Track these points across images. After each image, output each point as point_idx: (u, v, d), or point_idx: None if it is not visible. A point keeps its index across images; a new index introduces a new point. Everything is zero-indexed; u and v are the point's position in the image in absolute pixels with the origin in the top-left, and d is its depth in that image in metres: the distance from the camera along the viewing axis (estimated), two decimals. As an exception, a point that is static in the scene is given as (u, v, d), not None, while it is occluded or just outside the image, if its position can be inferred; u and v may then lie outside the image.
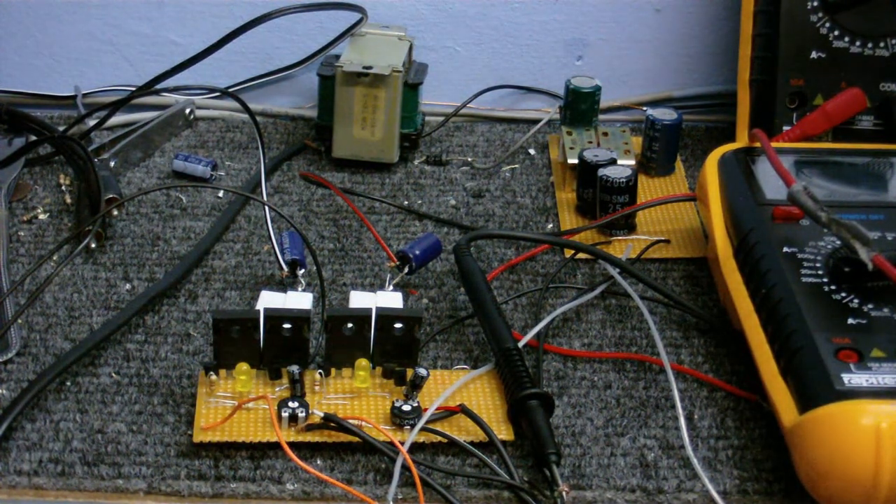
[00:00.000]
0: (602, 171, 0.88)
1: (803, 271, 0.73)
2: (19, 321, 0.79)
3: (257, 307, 0.75)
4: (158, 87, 1.00)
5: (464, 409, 0.71)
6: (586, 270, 0.86)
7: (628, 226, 0.89)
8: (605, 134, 0.96)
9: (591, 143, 0.95)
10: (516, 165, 0.98)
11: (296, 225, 0.82)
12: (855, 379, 0.66)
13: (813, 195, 0.73)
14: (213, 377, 0.72)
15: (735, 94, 0.92)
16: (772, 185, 0.80)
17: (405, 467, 0.67)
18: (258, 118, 0.97)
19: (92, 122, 0.98)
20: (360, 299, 0.78)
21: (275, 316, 0.72)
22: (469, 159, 0.99)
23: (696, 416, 0.74)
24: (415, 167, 0.98)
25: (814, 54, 0.90)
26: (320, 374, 0.73)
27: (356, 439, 0.69)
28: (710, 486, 0.68)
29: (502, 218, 0.92)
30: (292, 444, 0.68)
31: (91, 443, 0.71)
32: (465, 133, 1.02)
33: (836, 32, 0.89)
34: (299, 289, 0.81)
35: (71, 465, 0.69)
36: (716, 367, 0.78)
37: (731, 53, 0.99)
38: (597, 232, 0.89)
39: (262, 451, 0.70)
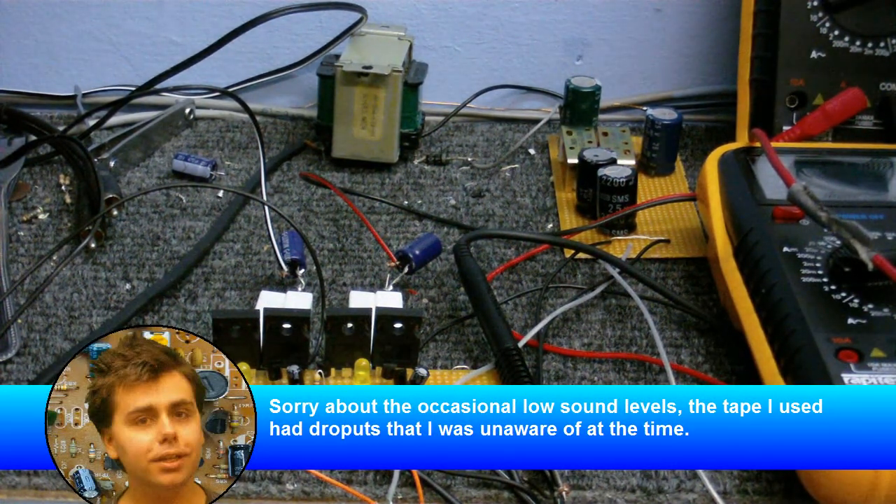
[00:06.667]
0: (602, 171, 0.88)
1: (803, 271, 0.73)
2: (19, 321, 0.79)
3: (257, 307, 0.75)
4: (158, 86, 1.00)
5: (464, 409, 0.71)
6: (586, 270, 0.86)
7: (628, 226, 0.89)
8: (605, 134, 0.96)
9: (591, 142, 0.95)
10: (516, 165, 0.98)
11: (296, 225, 0.82)
12: (855, 379, 0.66)
13: (813, 195, 0.73)
14: (213, 377, 0.72)
15: (735, 94, 0.92)
16: (772, 185, 0.80)
17: (405, 467, 0.67)
18: (258, 118, 0.97)
19: (92, 122, 0.98)
20: (359, 299, 0.78)
21: (275, 316, 0.72)
22: (469, 159, 0.98)
23: (696, 416, 0.74)
24: (415, 167, 0.97)
25: (814, 54, 0.90)
26: (320, 374, 0.73)
27: (356, 439, 0.69)
28: (710, 486, 0.68)
29: (502, 218, 0.92)
30: (292, 444, 0.68)
31: (91, 443, 0.71)
32: (465, 133, 1.02)
33: (836, 32, 0.89)
34: (299, 289, 0.81)
35: (71, 465, 0.69)
36: (716, 367, 0.78)
37: (731, 53, 0.99)
38: (597, 232, 0.89)
39: (262, 451, 0.70)
